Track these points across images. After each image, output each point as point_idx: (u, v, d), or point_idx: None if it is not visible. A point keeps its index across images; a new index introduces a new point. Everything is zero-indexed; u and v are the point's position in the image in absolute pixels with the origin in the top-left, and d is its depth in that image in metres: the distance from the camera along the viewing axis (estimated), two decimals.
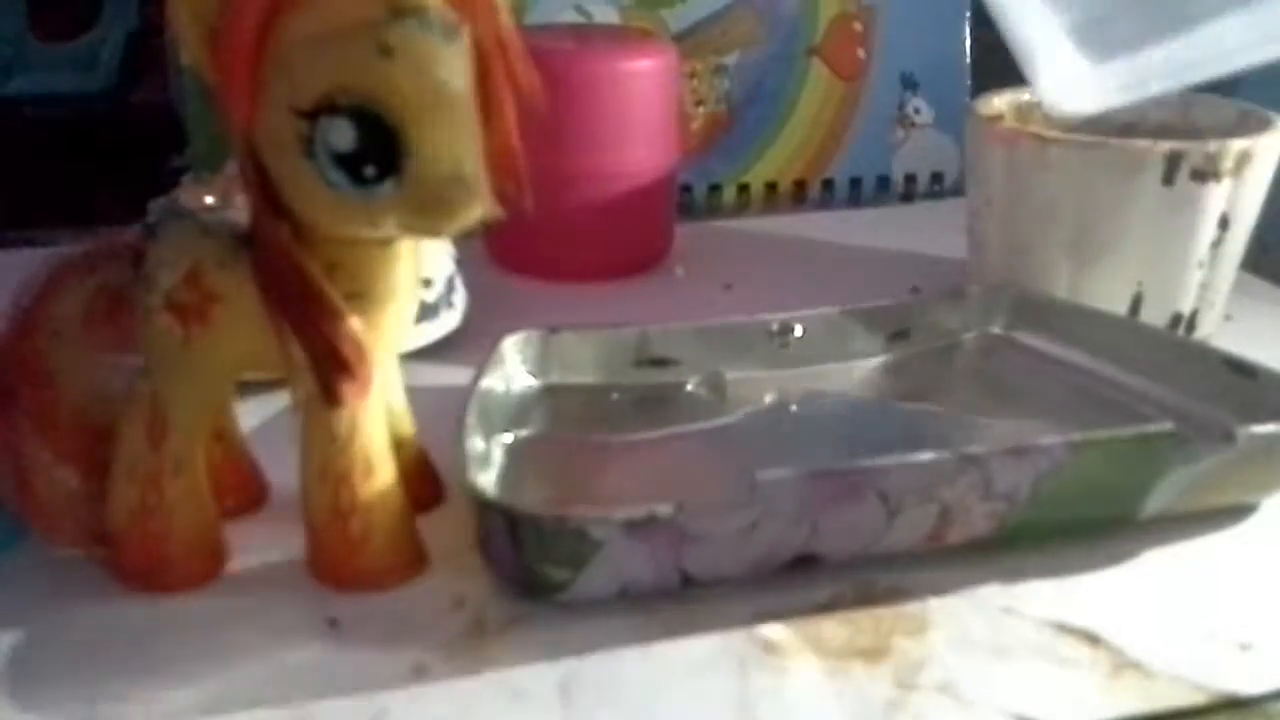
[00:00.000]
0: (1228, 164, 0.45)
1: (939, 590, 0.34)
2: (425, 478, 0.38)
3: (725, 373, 0.44)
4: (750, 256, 0.61)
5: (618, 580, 0.33)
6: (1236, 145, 0.45)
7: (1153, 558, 0.36)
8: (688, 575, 0.33)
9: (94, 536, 0.34)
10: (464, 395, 0.38)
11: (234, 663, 0.31)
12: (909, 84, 0.71)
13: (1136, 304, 0.48)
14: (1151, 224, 0.46)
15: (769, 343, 0.44)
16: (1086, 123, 0.52)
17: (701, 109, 0.70)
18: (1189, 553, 0.36)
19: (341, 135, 0.28)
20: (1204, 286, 0.48)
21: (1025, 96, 0.52)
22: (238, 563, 0.35)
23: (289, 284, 0.31)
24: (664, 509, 0.31)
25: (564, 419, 0.42)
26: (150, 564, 0.34)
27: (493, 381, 0.40)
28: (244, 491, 0.38)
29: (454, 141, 0.29)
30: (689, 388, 0.44)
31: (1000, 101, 0.52)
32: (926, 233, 0.62)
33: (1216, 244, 0.47)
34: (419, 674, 0.31)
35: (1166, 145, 0.45)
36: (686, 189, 0.69)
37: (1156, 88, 0.43)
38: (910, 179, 0.72)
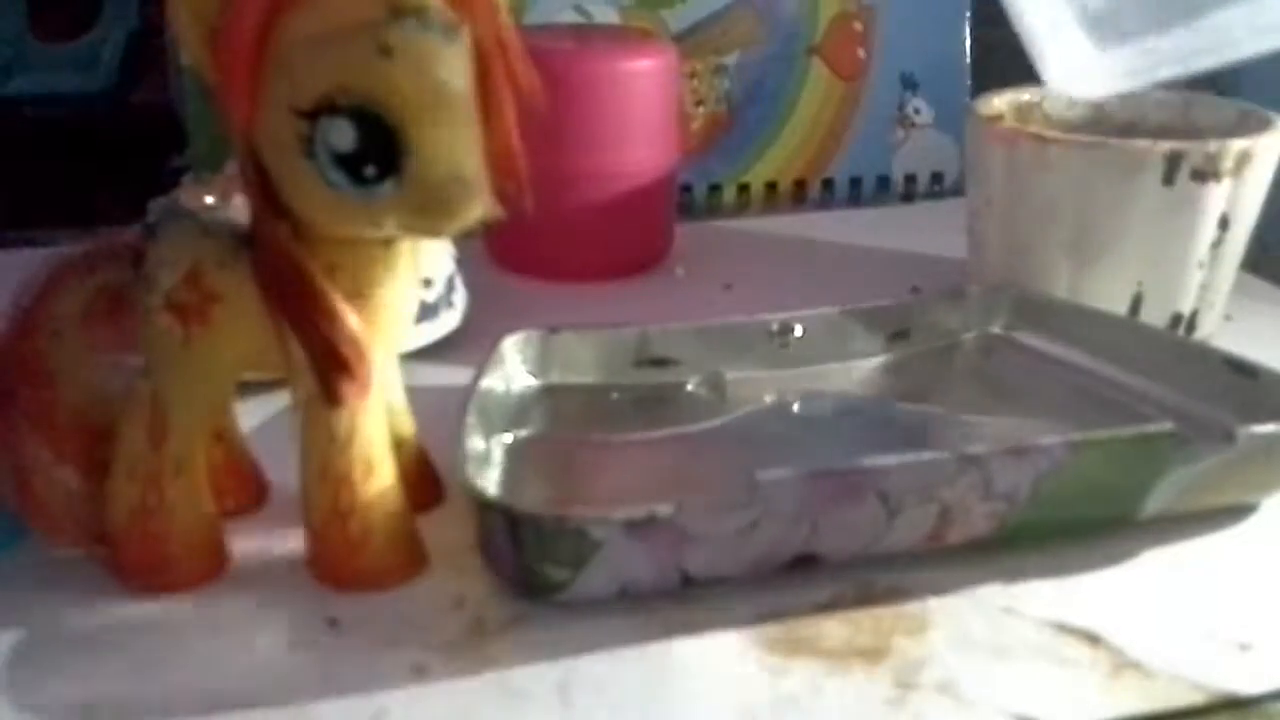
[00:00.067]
0: (1228, 164, 0.45)
1: (939, 590, 0.34)
2: (425, 478, 0.38)
3: (725, 373, 0.44)
4: (750, 256, 0.61)
5: (618, 580, 0.33)
6: (1236, 145, 0.45)
7: (1153, 558, 0.36)
8: (688, 575, 0.33)
9: (94, 536, 0.34)
10: (464, 395, 0.38)
11: (234, 663, 0.31)
12: (909, 84, 0.71)
13: (1136, 304, 0.48)
14: (1151, 224, 0.46)
15: (769, 343, 0.44)
16: (1086, 123, 0.52)
17: (701, 109, 0.70)
18: (1189, 553, 0.36)
19: (341, 135, 0.28)
20: (1204, 286, 0.48)
21: (1025, 96, 0.53)
22: (238, 563, 0.35)
23: (289, 284, 0.31)
24: (664, 509, 0.31)
25: (564, 419, 0.42)
26: (150, 564, 0.34)
27: (493, 381, 0.40)
28: (244, 491, 0.38)
29: (454, 141, 0.29)
30: (689, 388, 0.44)
31: (1000, 101, 0.52)
32: (926, 233, 0.62)
33: (1216, 244, 0.47)
34: (419, 674, 0.31)
35: (1166, 145, 0.45)
36: (686, 189, 0.69)
37: (1164, 74, 0.43)
38: (910, 179, 0.72)
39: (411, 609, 0.33)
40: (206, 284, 0.32)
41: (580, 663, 0.31)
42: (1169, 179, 0.45)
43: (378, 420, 0.33)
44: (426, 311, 0.47)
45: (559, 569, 0.32)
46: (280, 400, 0.35)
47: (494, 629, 0.33)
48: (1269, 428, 0.35)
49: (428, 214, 0.29)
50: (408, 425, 0.37)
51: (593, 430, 0.42)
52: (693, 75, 0.69)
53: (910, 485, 0.33)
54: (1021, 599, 0.34)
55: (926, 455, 0.33)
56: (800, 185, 0.71)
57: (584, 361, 0.43)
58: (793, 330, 0.45)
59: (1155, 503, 0.36)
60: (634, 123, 0.56)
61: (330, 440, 0.32)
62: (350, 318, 0.31)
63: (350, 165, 0.29)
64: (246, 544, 0.35)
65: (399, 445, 0.35)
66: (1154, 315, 0.48)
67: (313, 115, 0.28)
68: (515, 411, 0.41)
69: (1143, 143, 0.46)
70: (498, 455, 0.39)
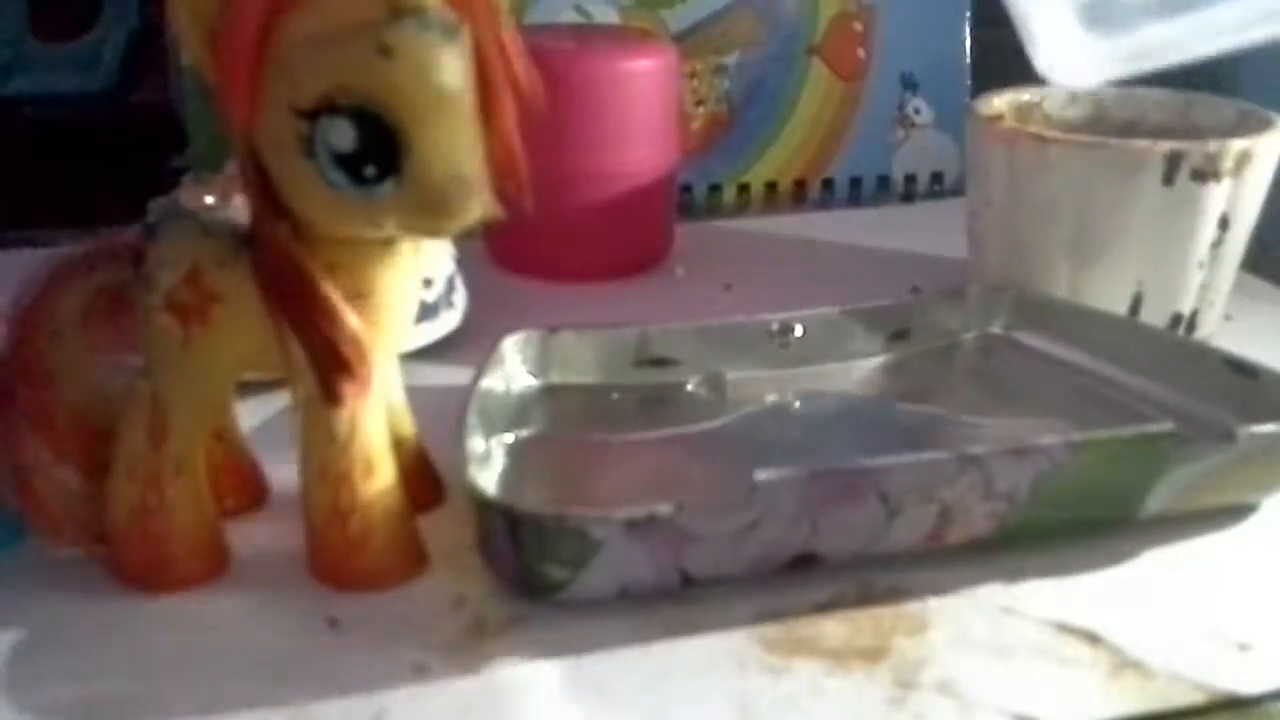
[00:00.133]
0: (1228, 164, 0.45)
1: (939, 590, 0.34)
2: (425, 478, 0.38)
3: (725, 373, 0.44)
4: (750, 256, 0.61)
5: (618, 580, 0.33)
6: (1236, 145, 0.45)
7: (1153, 558, 0.36)
8: (688, 575, 0.33)
9: (94, 536, 0.34)
10: (464, 395, 0.38)
11: (234, 663, 0.31)
12: (909, 84, 0.71)
13: (1136, 304, 0.48)
14: (1151, 224, 0.46)
15: (769, 343, 0.44)
16: (1086, 123, 0.52)
17: (701, 109, 0.70)
18: (1189, 553, 0.36)
19: (341, 135, 0.28)
20: (1204, 286, 0.48)
21: (1025, 96, 0.53)
22: (238, 563, 0.35)
23: (289, 284, 0.31)
24: (664, 509, 0.31)
25: (564, 419, 0.42)
26: (150, 564, 0.34)
27: (493, 381, 0.40)
28: (244, 491, 0.38)
29: (454, 141, 0.29)
30: (689, 388, 0.44)
31: (1000, 101, 0.52)
32: (926, 233, 0.62)
33: (1216, 244, 0.47)
34: (419, 674, 0.31)
35: (1167, 145, 0.45)
36: (686, 189, 0.68)
37: (1156, 62, 0.44)
38: (910, 179, 0.72)
39: (411, 609, 0.33)
40: (206, 284, 0.32)
41: (580, 663, 0.31)
42: (1169, 179, 0.45)
43: (378, 420, 0.33)
44: (426, 311, 0.47)
45: (559, 569, 0.32)
46: (280, 400, 0.35)
47: (494, 629, 0.33)
48: (1269, 428, 0.35)
49: (428, 214, 0.29)
50: (408, 425, 0.37)
51: (593, 430, 0.42)
52: (693, 75, 0.69)
53: (910, 485, 0.33)
54: (1021, 599, 0.34)
55: (926, 455, 0.33)
56: (800, 185, 0.71)
57: (584, 361, 0.43)
58: (793, 330, 0.45)
59: (1155, 503, 0.36)
60: (634, 123, 0.56)
61: (330, 440, 0.32)
62: (350, 318, 0.31)
63: (350, 165, 0.29)
64: (246, 544, 0.35)
65: (399, 445, 0.35)
66: (1154, 315, 0.48)
67: (313, 115, 0.28)
68: (515, 411, 0.41)
69: (1143, 143, 0.46)
70: (498, 455, 0.39)
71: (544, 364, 0.43)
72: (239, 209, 0.33)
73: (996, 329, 0.47)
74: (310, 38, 0.28)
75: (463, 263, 0.51)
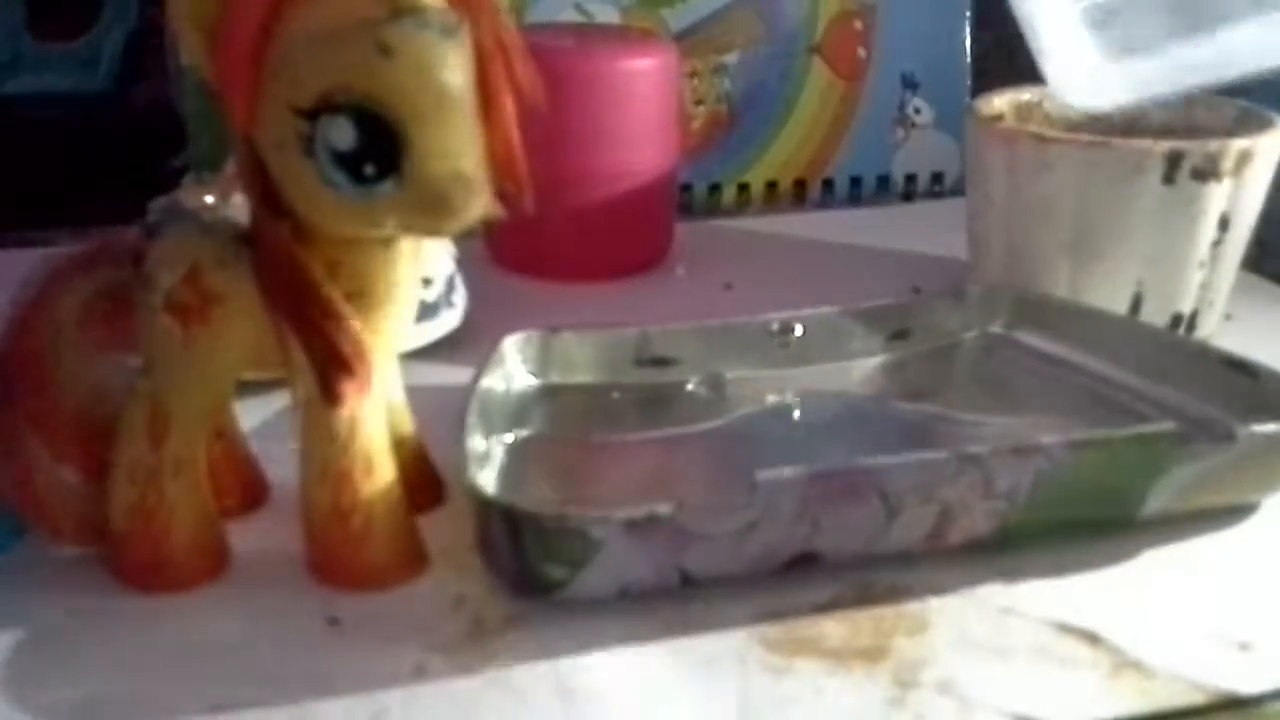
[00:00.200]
0: (1228, 164, 0.45)
1: (939, 590, 0.34)
2: (425, 477, 0.38)
3: (725, 373, 0.44)
4: (750, 256, 0.61)
5: (618, 580, 0.33)
6: (1237, 145, 0.45)
7: (1153, 558, 0.36)
8: (688, 575, 0.33)
9: (94, 535, 0.34)
10: (464, 395, 0.38)
11: (234, 663, 0.31)
12: (909, 84, 0.71)
13: (1136, 304, 0.48)
14: (1152, 224, 0.46)
15: (769, 343, 0.44)
16: (1086, 122, 0.52)
17: (701, 109, 0.70)
18: (1189, 553, 0.36)
19: (341, 134, 0.28)
20: (1204, 286, 0.48)
21: (1025, 96, 0.53)
22: (238, 563, 0.35)
23: (289, 284, 0.31)
24: (664, 509, 0.31)
25: (564, 419, 0.42)
26: (150, 564, 0.34)
27: (493, 381, 0.40)
28: (244, 491, 0.38)
29: (454, 140, 0.29)
30: (689, 388, 0.44)
31: (1000, 101, 0.52)
32: (926, 233, 0.62)
33: (1217, 244, 0.47)
34: (419, 674, 0.31)
35: (1167, 145, 0.45)
36: (686, 189, 0.68)
37: (1171, 86, 0.44)
38: (910, 179, 0.72)
39: (412, 608, 0.33)
40: (206, 284, 0.32)
41: (580, 662, 0.31)
42: (1169, 178, 0.45)
43: (378, 420, 0.33)
44: (426, 311, 0.47)
45: (559, 568, 0.32)
46: (280, 400, 0.35)
47: (494, 629, 0.33)
48: (1269, 427, 0.35)
49: (428, 213, 0.29)
50: (408, 425, 0.37)
51: (593, 430, 0.42)
52: (693, 75, 0.69)
53: (910, 485, 0.33)
54: (1021, 599, 0.34)
55: (926, 455, 0.33)
56: (800, 185, 0.71)
57: (584, 361, 0.43)
58: (793, 330, 0.45)
59: (1155, 502, 0.36)
60: (634, 123, 0.56)
61: (330, 440, 0.32)
62: (350, 317, 0.31)
63: (350, 164, 0.29)
64: (246, 544, 0.35)
65: (399, 445, 0.35)
66: (1154, 315, 0.48)
67: (312, 114, 0.28)
68: (515, 411, 0.41)
69: (1143, 142, 0.46)
70: (498, 455, 0.39)
71: (544, 364, 0.43)
72: (239, 209, 0.33)
73: (996, 329, 0.47)
74: (310, 37, 0.28)
75: (463, 262, 0.51)
